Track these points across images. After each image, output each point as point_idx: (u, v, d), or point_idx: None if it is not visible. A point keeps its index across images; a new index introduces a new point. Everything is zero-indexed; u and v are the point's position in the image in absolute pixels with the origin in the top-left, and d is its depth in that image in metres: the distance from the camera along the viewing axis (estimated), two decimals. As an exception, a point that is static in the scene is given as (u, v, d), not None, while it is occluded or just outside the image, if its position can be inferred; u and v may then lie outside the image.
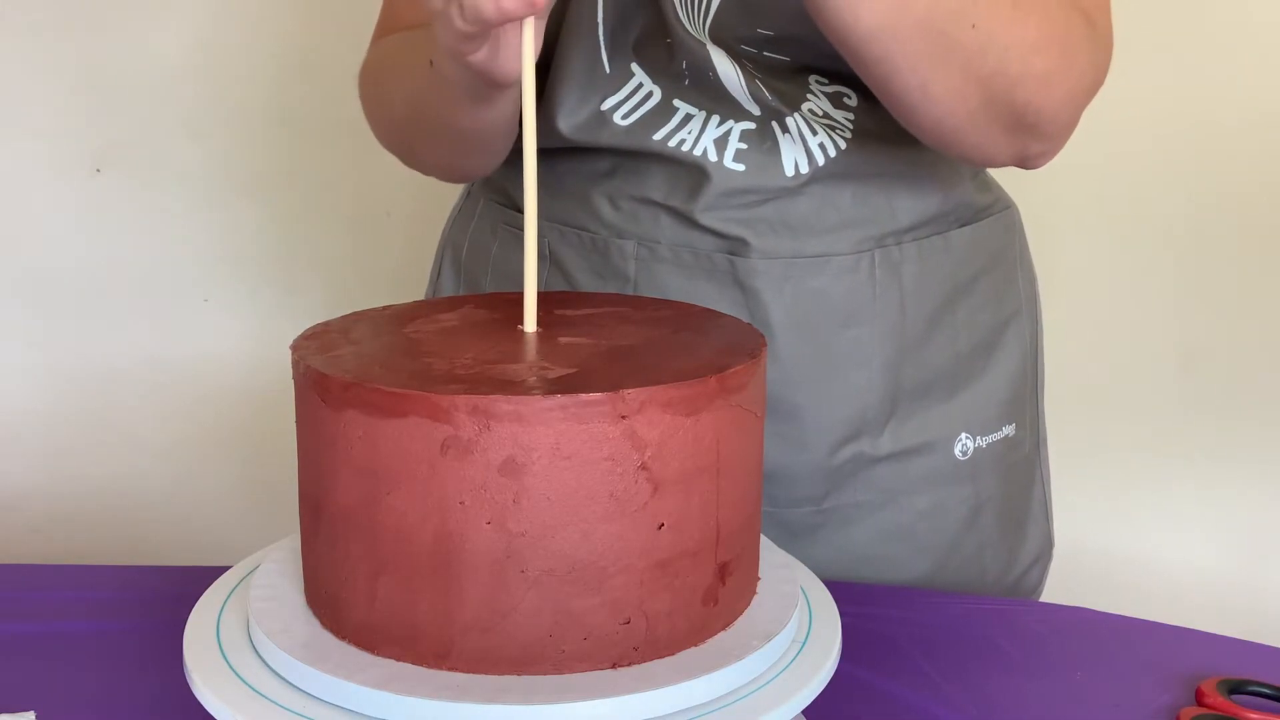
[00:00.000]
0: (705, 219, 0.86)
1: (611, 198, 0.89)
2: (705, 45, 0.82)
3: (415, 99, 0.85)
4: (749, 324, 0.68)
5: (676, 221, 0.87)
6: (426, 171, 0.94)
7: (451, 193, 1.07)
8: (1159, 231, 1.57)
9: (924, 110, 0.77)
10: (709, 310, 0.72)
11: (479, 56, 0.70)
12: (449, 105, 0.80)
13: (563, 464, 0.54)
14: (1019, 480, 0.97)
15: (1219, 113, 1.51)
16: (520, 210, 0.95)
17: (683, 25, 0.81)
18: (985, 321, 0.94)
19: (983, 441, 0.93)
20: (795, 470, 0.89)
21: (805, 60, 0.80)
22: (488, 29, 0.66)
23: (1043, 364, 1.01)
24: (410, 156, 0.93)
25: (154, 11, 1.60)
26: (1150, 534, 1.63)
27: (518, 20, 0.64)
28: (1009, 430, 0.95)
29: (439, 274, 1.04)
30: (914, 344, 0.90)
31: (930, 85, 0.75)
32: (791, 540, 0.89)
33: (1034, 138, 0.80)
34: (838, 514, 0.91)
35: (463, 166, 0.94)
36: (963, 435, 0.92)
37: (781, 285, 0.86)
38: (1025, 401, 0.97)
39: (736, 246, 0.86)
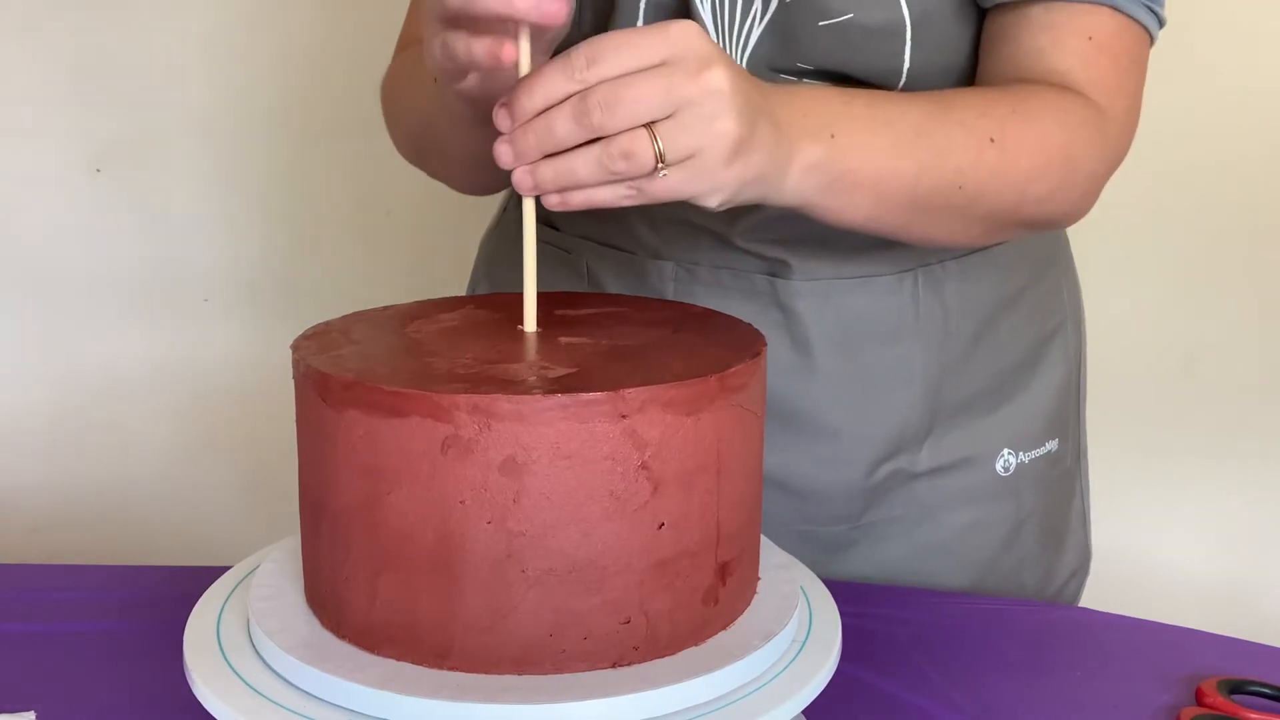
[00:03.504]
0: (743, 242, 0.85)
1: (650, 218, 0.88)
2: None
3: (425, 116, 0.83)
4: (749, 325, 0.68)
5: (715, 243, 0.86)
6: (444, 181, 0.93)
7: (452, 193, 1.07)
8: (1161, 233, 1.57)
9: (931, 244, 0.79)
10: (709, 310, 0.72)
11: (467, 85, 0.69)
12: (453, 125, 0.79)
13: (563, 463, 0.54)
14: (1060, 494, 0.95)
15: (1222, 114, 1.51)
16: (558, 229, 0.94)
17: None
18: (1030, 335, 0.92)
19: (1025, 457, 0.91)
20: (833, 490, 0.88)
21: (845, 87, 0.80)
22: (464, 68, 0.65)
23: (1086, 374, 0.99)
24: (425, 167, 0.92)
25: (155, 12, 1.60)
26: (1150, 534, 1.62)
27: (485, 69, 0.64)
28: (1052, 446, 0.93)
29: (474, 292, 1.03)
30: (957, 361, 0.88)
31: (929, 236, 0.77)
32: (827, 556, 0.88)
33: (1049, 230, 0.82)
34: (874, 529, 0.90)
35: (475, 182, 0.92)
36: (1005, 451, 0.91)
37: (823, 306, 0.85)
38: (1069, 415, 0.95)
39: (777, 268, 0.85)
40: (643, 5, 0.80)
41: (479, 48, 0.62)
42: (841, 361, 0.86)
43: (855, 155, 0.69)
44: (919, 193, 0.72)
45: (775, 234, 0.84)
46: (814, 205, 0.69)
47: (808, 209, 0.70)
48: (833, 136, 0.68)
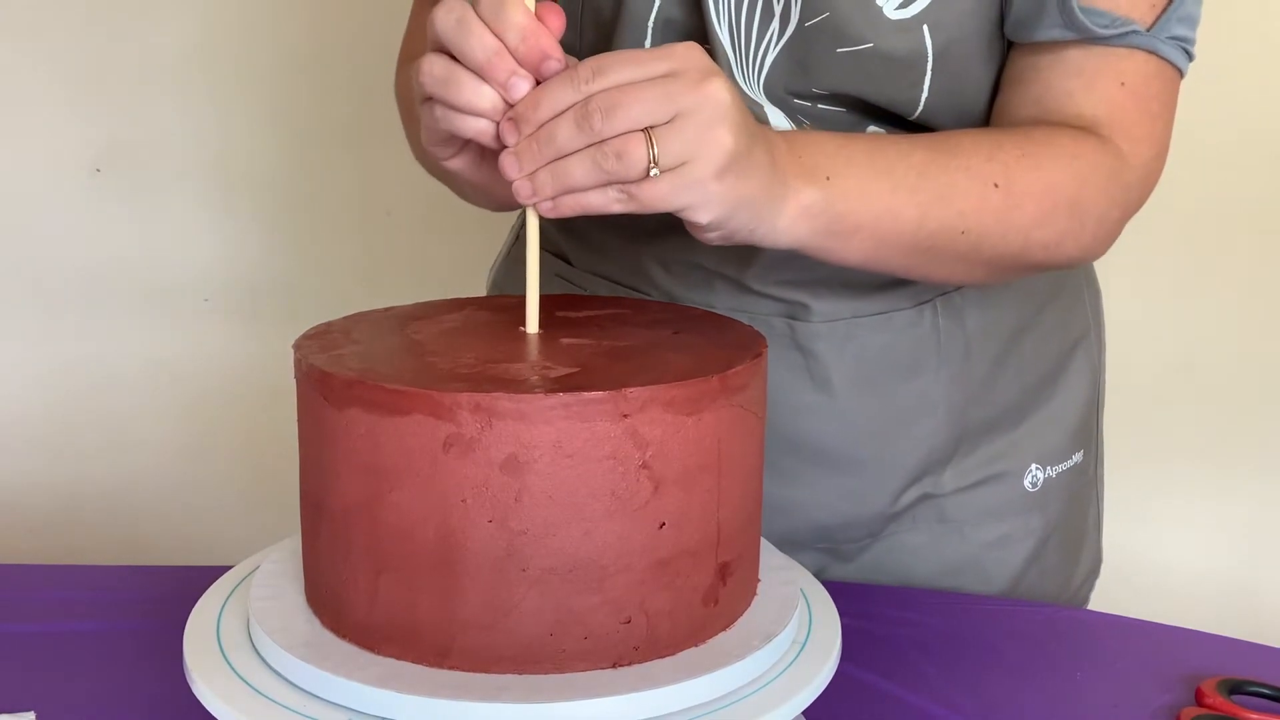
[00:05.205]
0: (759, 285, 0.84)
1: (663, 261, 0.87)
2: (762, 107, 0.79)
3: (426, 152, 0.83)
4: (750, 325, 0.68)
5: (731, 288, 0.85)
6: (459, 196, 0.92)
7: (452, 195, 1.07)
8: (1161, 233, 1.56)
9: (934, 284, 0.77)
10: (709, 312, 0.72)
11: (455, 165, 0.69)
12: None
13: (564, 462, 0.54)
14: (1080, 503, 0.95)
15: (1222, 116, 1.50)
16: (570, 262, 0.93)
17: (735, 82, 0.79)
18: (1054, 349, 0.92)
19: (1053, 471, 0.91)
20: (858, 519, 0.88)
21: (861, 111, 0.79)
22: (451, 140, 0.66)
23: (1104, 382, 0.98)
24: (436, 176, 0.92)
25: (154, 11, 1.60)
26: (1150, 535, 1.62)
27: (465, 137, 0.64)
28: (1078, 458, 0.93)
29: None
30: (980, 384, 0.88)
31: (931, 277, 0.76)
32: (844, 564, 0.89)
33: (1059, 271, 0.80)
34: (894, 539, 0.89)
35: (487, 205, 0.92)
36: (1033, 466, 0.90)
37: (843, 346, 0.84)
38: (1091, 424, 0.95)
39: (795, 310, 0.84)
40: (651, 24, 0.78)
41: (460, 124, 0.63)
42: (864, 398, 0.85)
43: (852, 199, 0.68)
44: (920, 237, 0.71)
45: (790, 275, 0.83)
46: (809, 248, 0.69)
47: (804, 251, 0.69)
48: (828, 179, 0.67)
